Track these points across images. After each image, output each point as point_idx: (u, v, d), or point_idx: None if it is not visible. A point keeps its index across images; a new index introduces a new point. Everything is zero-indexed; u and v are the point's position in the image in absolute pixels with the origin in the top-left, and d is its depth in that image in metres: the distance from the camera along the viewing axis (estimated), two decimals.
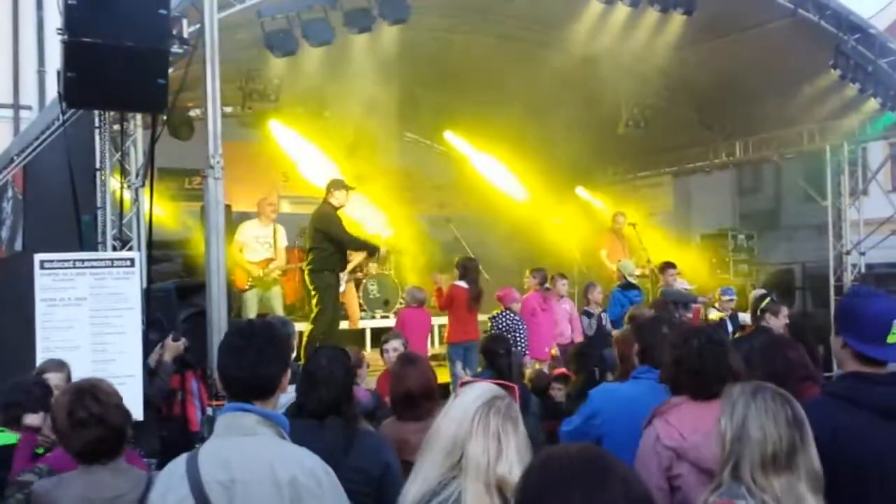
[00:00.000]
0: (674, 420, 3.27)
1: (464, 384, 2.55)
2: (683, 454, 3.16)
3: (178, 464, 2.61)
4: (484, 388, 2.44)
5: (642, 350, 4.07)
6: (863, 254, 13.23)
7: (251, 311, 10.32)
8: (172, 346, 6.43)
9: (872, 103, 11.50)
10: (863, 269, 13.26)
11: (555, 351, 10.58)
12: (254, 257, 10.57)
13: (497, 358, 6.31)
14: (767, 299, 9.37)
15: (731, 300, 11.30)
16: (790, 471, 2.31)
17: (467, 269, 10.09)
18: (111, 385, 3.31)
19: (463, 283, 10.04)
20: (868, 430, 2.72)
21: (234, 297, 10.34)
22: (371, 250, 10.51)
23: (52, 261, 6.52)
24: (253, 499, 2.49)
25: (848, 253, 13.24)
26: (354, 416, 3.64)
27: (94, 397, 3.14)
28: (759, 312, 8.88)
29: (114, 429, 3.11)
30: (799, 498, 2.30)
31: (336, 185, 9.88)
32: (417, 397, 4.16)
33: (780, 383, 3.08)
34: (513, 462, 2.26)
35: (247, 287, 10.47)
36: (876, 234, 13.18)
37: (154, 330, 6.76)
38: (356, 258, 11.78)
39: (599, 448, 1.89)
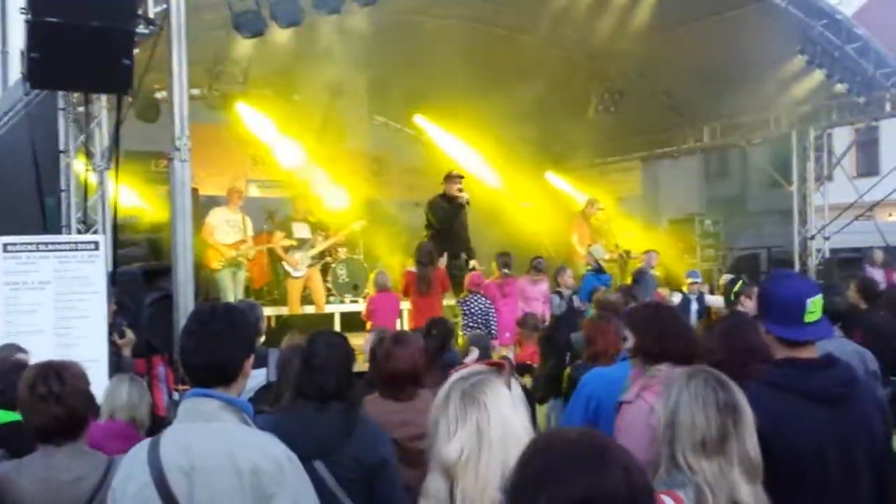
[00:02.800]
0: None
1: (452, 372, 2.52)
2: None
3: (141, 449, 2.58)
4: (457, 374, 2.39)
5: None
6: (827, 238, 13.43)
7: (228, 292, 10.31)
8: (125, 342, 6.35)
9: (839, 89, 11.63)
10: (827, 254, 13.45)
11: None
12: (224, 240, 10.58)
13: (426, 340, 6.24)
14: (740, 283, 9.41)
15: (696, 283, 11.46)
16: (722, 455, 2.32)
17: (417, 254, 10.06)
18: (82, 370, 3.25)
19: (413, 269, 10.04)
20: (807, 417, 2.75)
21: (207, 278, 10.31)
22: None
23: (15, 244, 6.41)
24: (213, 485, 2.46)
25: (812, 238, 13.43)
26: (355, 403, 3.61)
27: (58, 376, 3.10)
28: (732, 297, 8.93)
29: (70, 411, 3.06)
30: (732, 485, 2.29)
31: (447, 177, 11.11)
32: (403, 378, 4.17)
33: (742, 364, 3.11)
34: (464, 442, 2.20)
35: (219, 267, 10.45)
36: (840, 220, 13.38)
37: (120, 314, 6.69)
38: (325, 242, 11.74)
39: (600, 433, 1.86)
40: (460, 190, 10.97)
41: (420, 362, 4.34)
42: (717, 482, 2.29)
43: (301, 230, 11.51)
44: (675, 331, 3.45)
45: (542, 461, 1.69)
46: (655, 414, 3.12)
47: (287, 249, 11.31)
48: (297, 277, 11.39)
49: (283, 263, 11.40)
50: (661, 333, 3.42)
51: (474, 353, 6.34)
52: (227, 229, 10.67)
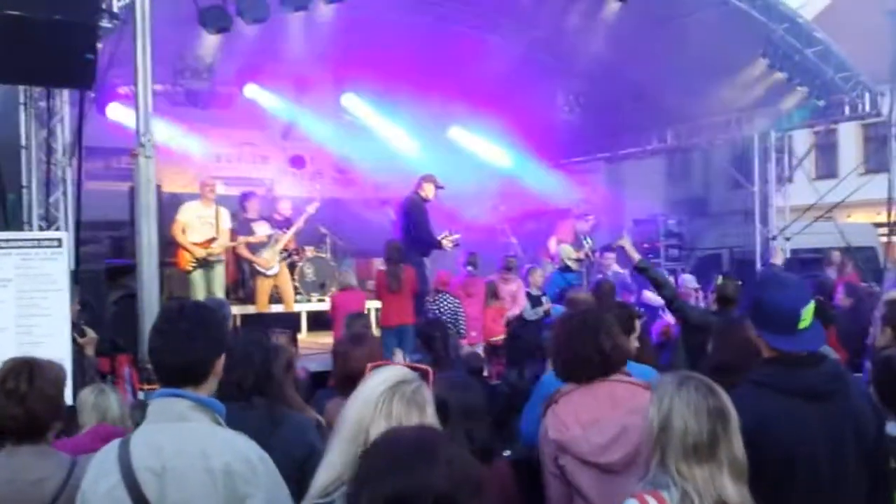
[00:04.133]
0: (560, 410, 3.26)
1: (373, 368, 2.52)
2: (565, 447, 3.17)
3: (111, 450, 2.54)
4: (391, 372, 2.42)
5: None
6: (788, 239, 13.63)
7: (199, 292, 10.11)
8: (87, 341, 6.27)
9: (799, 92, 11.81)
10: (788, 255, 13.65)
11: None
12: (196, 237, 10.31)
13: (432, 342, 6.27)
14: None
15: None
16: (712, 461, 2.37)
17: (386, 252, 9.96)
18: (59, 375, 3.18)
19: (383, 267, 10.00)
20: (795, 415, 2.76)
21: (179, 279, 10.15)
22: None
23: None
24: (185, 486, 2.43)
25: (774, 238, 13.61)
26: (278, 398, 3.59)
27: (29, 376, 3.04)
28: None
29: (29, 414, 3.01)
30: (720, 487, 2.35)
31: (426, 178, 10.46)
32: (362, 377, 4.12)
33: (746, 361, 3.12)
34: None
35: (190, 268, 10.24)
36: (801, 221, 13.60)
37: (83, 312, 6.61)
38: (287, 233, 11.62)
39: (436, 431, 1.88)
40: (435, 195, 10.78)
41: (379, 358, 4.29)
42: (706, 486, 2.34)
43: (261, 228, 11.36)
44: (562, 350, 3.38)
45: (371, 460, 1.76)
46: (547, 433, 3.21)
47: (254, 250, 11.17)
48: (271, 276, 11.26)
49: (255, 265, 11.23)
50: (563, 351, 3.39)
51: (399, 354, 6.36)
52: (198, 226, 10.35)
